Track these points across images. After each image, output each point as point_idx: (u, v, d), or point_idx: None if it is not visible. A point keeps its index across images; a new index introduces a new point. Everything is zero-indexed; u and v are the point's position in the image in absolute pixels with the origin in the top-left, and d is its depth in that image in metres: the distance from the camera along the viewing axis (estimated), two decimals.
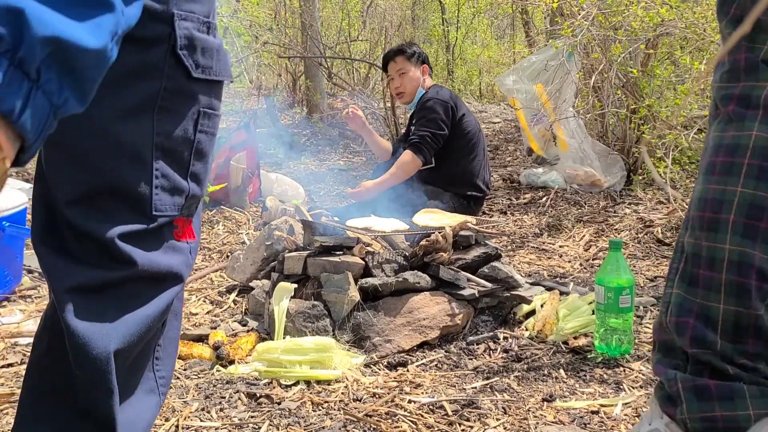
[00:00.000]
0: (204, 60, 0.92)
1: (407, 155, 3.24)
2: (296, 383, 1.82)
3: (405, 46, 3.51)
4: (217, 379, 1.86)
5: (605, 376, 1.83)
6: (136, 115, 0.88)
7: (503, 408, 1.65)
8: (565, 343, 2.05)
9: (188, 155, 0.94)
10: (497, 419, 1.59)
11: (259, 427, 1.59)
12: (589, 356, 1.95)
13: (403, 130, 4.55)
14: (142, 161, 0.89)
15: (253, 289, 2.42)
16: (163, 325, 1.01)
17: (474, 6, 11.64)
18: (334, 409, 1.67)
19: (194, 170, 0.96)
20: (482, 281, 2.23)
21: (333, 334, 2.06)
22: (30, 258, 2.68)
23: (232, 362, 1.97)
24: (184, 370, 1.94)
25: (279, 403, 1.71)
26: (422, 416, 1.61)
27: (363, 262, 2.21)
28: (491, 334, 2.13)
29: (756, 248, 1.09)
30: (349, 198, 3.53)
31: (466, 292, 2.17)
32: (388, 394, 1.74)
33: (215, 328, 2.25)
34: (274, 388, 1.79)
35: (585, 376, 1.83)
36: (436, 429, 1.56)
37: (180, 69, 0.89)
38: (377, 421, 1.58)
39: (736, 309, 1.10)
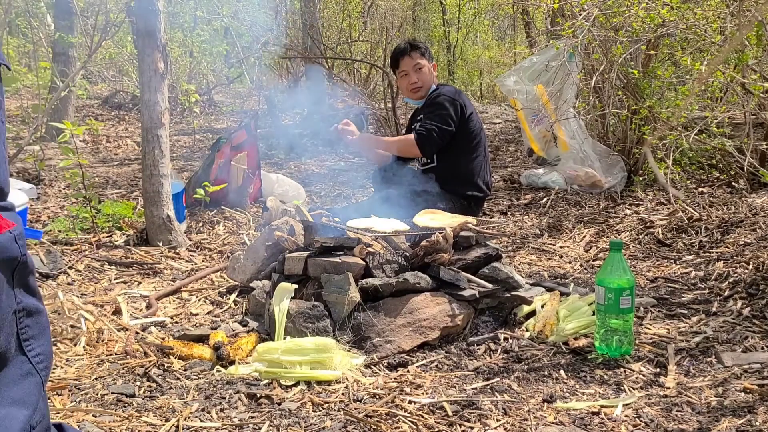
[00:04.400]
0: None
1: (411, 139, 3.21)
2: (296, 384, 1.82)
3: (418, 42, 3.50)
4: (217, 380, 1.87)
5: (606, 377, 1.83)
6: None
7: (503, 409, 1.65)
8: (566, 343, 2.05)
9: None
10: (497, 420, 1.59)
11: (260, 428, 1.59)
12: (589, 357, 1.95)
13: (404, 132, 4.55)
14: None
15: (253, 289, 2.42)
16: (22, 310, 0.96)
17: (475, 7, 11.65)
18: (335, 410, 1.67)
19: None
20: (483, 282, 2.23)
21: (333, 335, 2.07)
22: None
23: (232, 363, 1.97)
24: (185, 370, 1.94)
25: (279, 404, 1.71)
26: (422, 417, 1.61)
27: (363, 263, 2.20)
28: (492, 334, 2.13)
29: None
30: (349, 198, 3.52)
31: (466, 293, 2.17)
32: (389, 394, 1.74)
33: (216, 328, 2.25)
34: (274, 388, 1.79)
35: (585, 377, 1.83)
36: (437, 430, 1.56)
37: None
38: (377, 421, 1.58)
39: None
